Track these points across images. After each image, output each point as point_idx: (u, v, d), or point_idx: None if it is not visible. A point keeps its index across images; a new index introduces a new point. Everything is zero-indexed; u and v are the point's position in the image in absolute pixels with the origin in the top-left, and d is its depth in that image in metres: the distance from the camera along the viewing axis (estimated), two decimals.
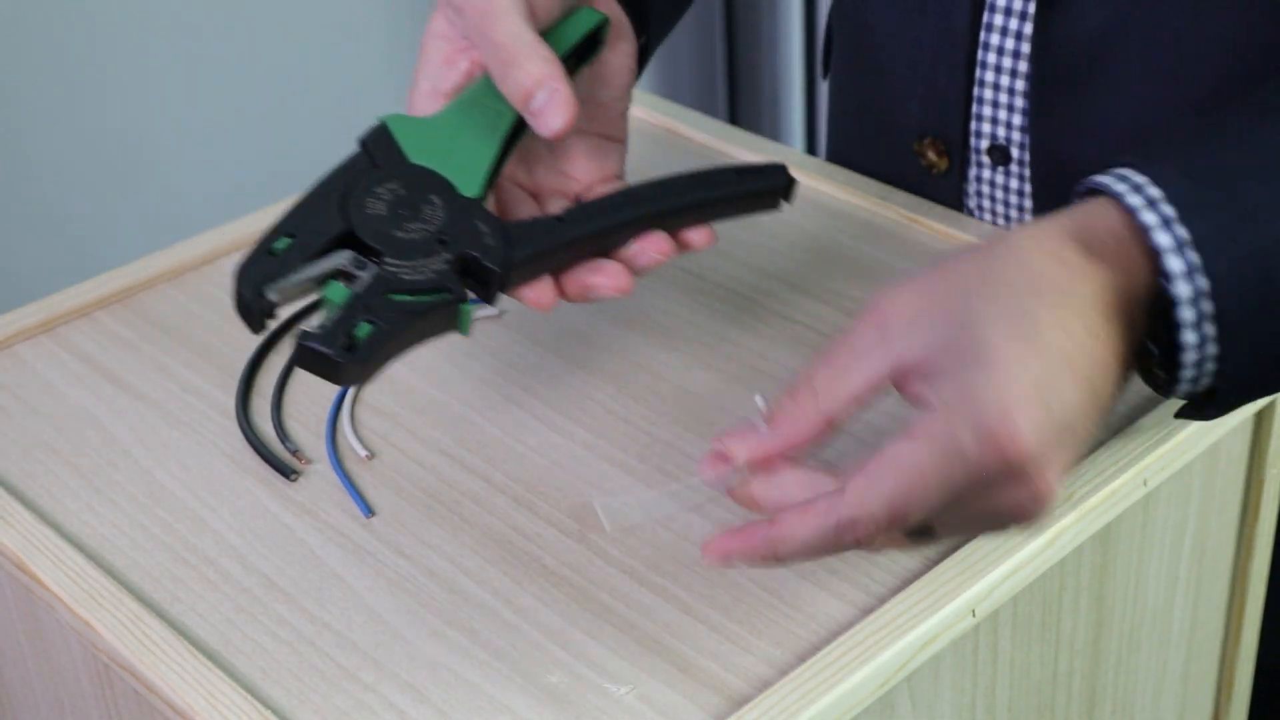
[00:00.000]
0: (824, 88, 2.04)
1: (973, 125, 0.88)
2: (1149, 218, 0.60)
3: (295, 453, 0.75)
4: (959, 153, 0.89)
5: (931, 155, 0.90)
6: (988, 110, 0.87)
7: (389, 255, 0.64)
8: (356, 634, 0.65)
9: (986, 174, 0.89)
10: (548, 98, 0.67)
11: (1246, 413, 0.75)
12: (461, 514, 0.71)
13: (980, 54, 0.85)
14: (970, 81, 0.86)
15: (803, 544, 0.59)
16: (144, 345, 0.83)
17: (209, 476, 0.74)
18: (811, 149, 2.11)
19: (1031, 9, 0.83)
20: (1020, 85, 0.85)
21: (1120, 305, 0.60)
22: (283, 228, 0.64)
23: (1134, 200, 0.61)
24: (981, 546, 0.66)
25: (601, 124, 0.74)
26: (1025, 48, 0.84)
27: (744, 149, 0.97)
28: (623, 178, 0.75)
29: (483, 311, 0.84)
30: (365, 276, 0.63)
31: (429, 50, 0.72)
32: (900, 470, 0.57)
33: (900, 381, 0.59)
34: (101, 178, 1.63)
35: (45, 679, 0.75)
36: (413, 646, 0.65)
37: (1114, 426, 0.73)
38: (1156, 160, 0.62)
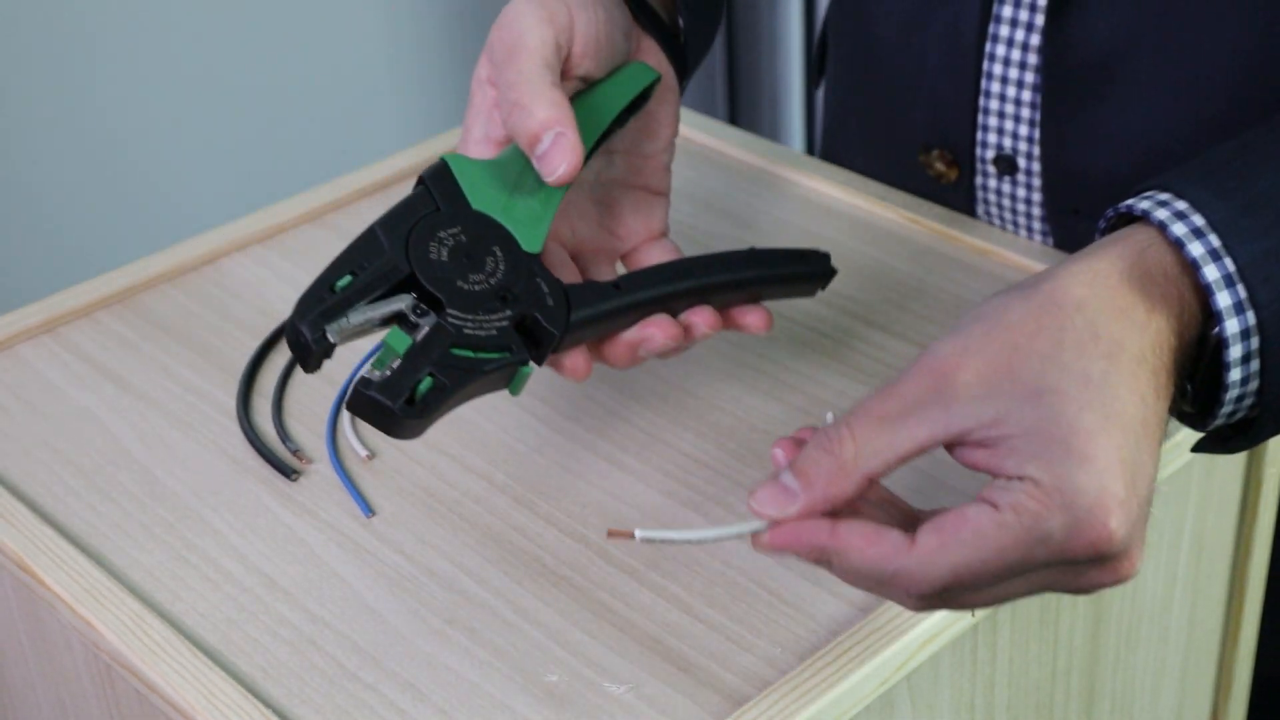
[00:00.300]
0: (814, 87, 2.05)
1: (979, 135, 0.87)
2: (1196, 250, 0.59)
3: (296, 452, 0.75)
4: (967, 163, 0.89)
5: (940, 166, 0.90)
6: (994, 120, 0.86)
7: (451, 306, 0.63)
8: (357, 633, 0.65)
9: (993, 183, 0.88)
10: (552, 142, 0.65)
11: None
12: (461, 513, 0.71)
13: (986, 64, 0.85)
14: (977, 91, 0.86)
15: (853, 571, 0.56)
16: (145, 345, 0.84)
17: (210, 476, 0.74)
18: (811, 149, 2.11)
19: (1039, 19, 0.82)
20: (1027, 95, 0.85)
21: (1175, 352, 0.59)
22: (345, 264, 0.63)
23: (1178, 230, 0.59)
24: None
25: (646, 177, 0.73)
26: (1032, 58, 0.83)
27: (744, 149, 0.97)
28: (667, 233, 0.73)
29: None
30: (426, 325, 0.62)
31: (476, 96, 0.70)
32: (981, 543, 0.54)
33: (957, 446, 0.57)
34: (102, 178, 1.63)
35: (47, 678, 0.75)
36: (413, 646, 0.65)
37: None
38: (1195, 183, 0.60)
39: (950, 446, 0.57)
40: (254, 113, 1.73)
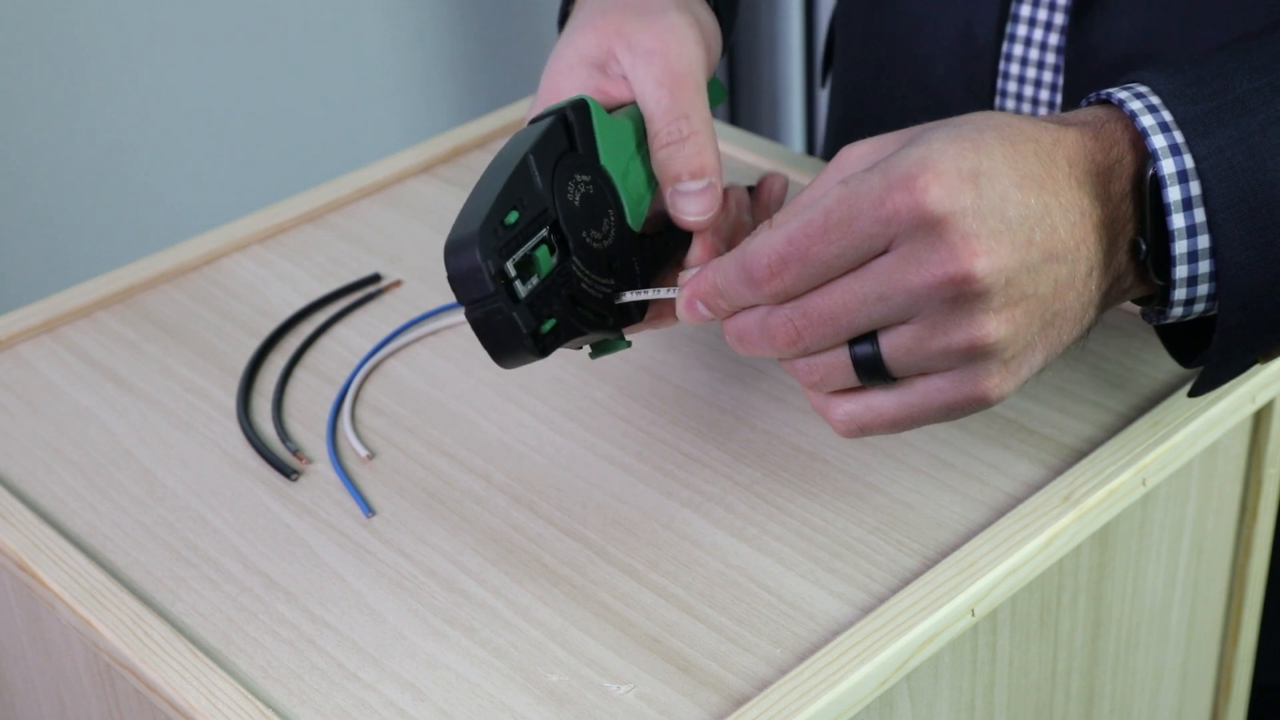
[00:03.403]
0: (820, 85, 2.04)
1: None
2: (1134, 104, 0.60)
3: (296, 452, 0.75)
4: None
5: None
6: None
7: (577, 255, 0.65)
8: (357, 633, 0.65)
9: None
10: (701, 189, 0.67)
11: (1245, 412, 0.75)
12: (461, 513, 0.71)
13: (1003, 64, 0.85)
14: (992, 92, 0.86)
15: (713, 283, 0.60)
16: (145, 345, 0.84)
17: (210, 476, 0.74)
18: (811, 149, 2.11)
19: (1059, 19, 0.82)
20: (1045, 95, 0.84)
21: (1089, 167, 0.59)
22: (508, 198, 0.63)
23: (1122, 94, 0.61)
24: (981, 545, 0.66)
25: None
26: (1051, 58, 0.83)
27: (744, 149, 0.97)
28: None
29: None
30: (555, 262, 0.64)
31: (576, 75, 0.70)
32: (806, 210, 0.57)
33: None
34: (102, 178, 1.63)
35: (47, 678, 0.75)
36: (413, 645, 0.65)
37: (1111, 426, 0.74)
38: (1155, 70, 0.62)
39: None
40: (254, 113, 1.73)
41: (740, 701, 0.61)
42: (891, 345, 0.59)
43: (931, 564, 0.67)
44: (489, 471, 0.74)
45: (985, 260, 0.56)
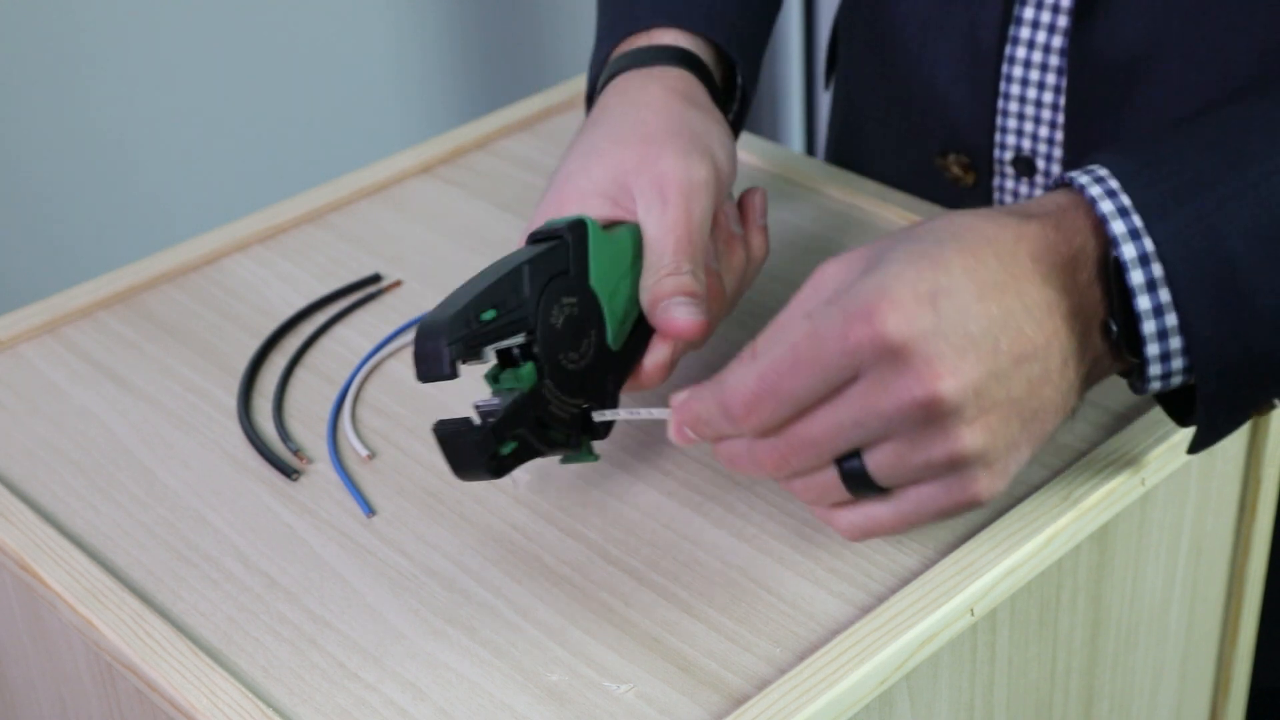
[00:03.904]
0: (823, 88, 2.04)
1: (997, 137, 0.87)
2: (1094, 190, 0.61)
3: (296, 452, 0.75)
4: (984, 165, 0.88)
5: (957, 170, 0.90)
6: (1013, 122, 0.86)
7: (550, 378, 0.67)
8: (358, 632, 0.65)
9: (1011, 185, 0.88)
10: (686, 306, 0.69)
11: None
12: (462, 513, 0.72)
13: (1006, 67, 0.85)
14: (995, 93, 0.86)
15: (694, 414, 0.62)
16: (146, 345, 0.84)
17: (210, 476, 0.74)
18: (811, 149, 2.11)
19: (1062, 21, 0.82)
20: (1049, 97, 0.84)
21: (1053, 260, 0.60)
22: (491, 297, 0.65)
23: (1083, 179, 0.62)
24: (980, 545, 0.66)
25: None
26: (1055, 60, 0.83)
27: (744, 149, 0.97)
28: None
29: None
30: (523, 380, 0.66)
31: (588, 205, 0.72)
32: (774, 347, 0.59)
33: None
34: (102, 178, 1.63)
35: (48, 677, 0.75)
36: (413, 645, 0.65)
37: (1110, 426, 0.74)
38: (1115, 152, 0.63)
39: None
40: (254, 113, 1.73)
41: (740, 701, 0.61)
42: (876, 462, 0.60)
43: (931, 563, 0.67)
44: None
45: (950, 380, 0.57)
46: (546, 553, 0.69)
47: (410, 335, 0.83)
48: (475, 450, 0.64)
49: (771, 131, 2.11)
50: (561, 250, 0.68)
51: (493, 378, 0.66)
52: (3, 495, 0.73)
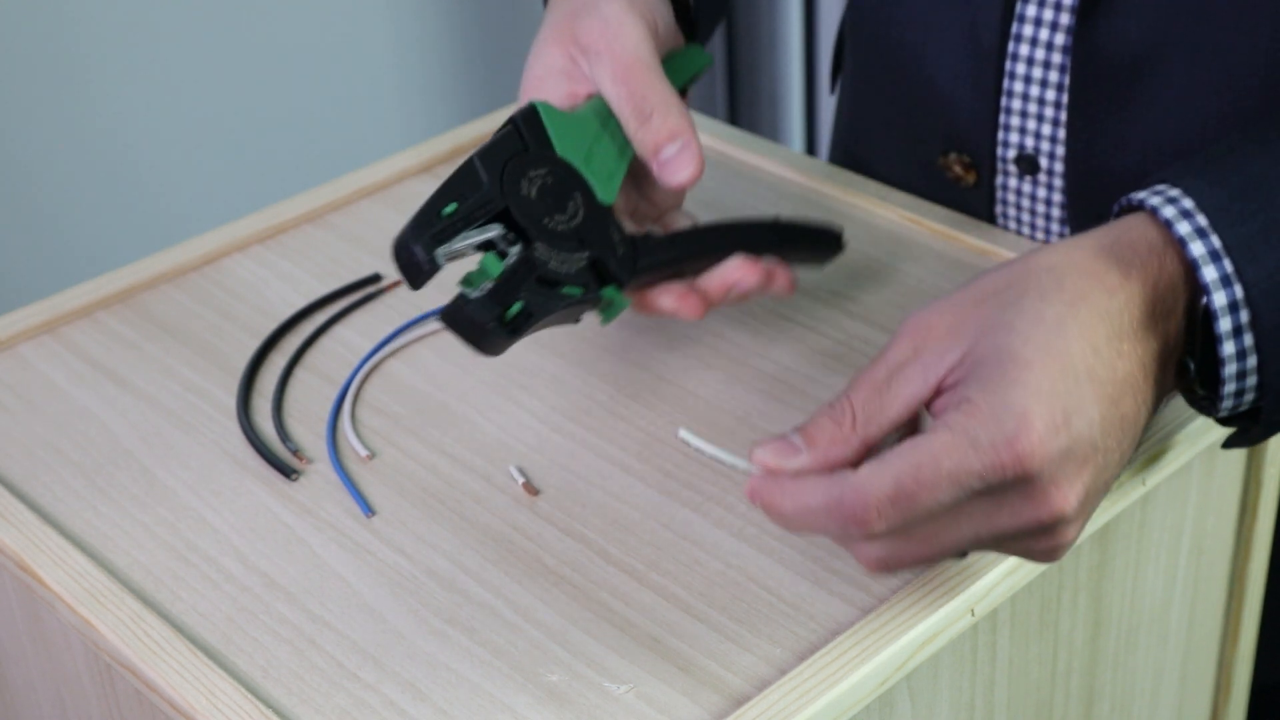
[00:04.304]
0: (824, 89, 2.04)
1: (1000, 135, 0.87)
2: (1183, 228, 0.61)
3: (296, 452, 0.75)
4: (986, 164, 0.88)
5: (958, 169, 0.90)
6: (1015, 120, 0.86)
7: (538, 240, 0.69)
8: (357, 633, 0.65)
9: (1014, 183, 0.88)
10: (678, 150, 0.73)
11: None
12: (462, 513, 0.71)
13: (1009, 65, 0.85)
14: (998, 92, 0.86)
15: (808, 509, 0.59)
16: (145, 345, 0.84)
17: (210, 476, 0.74)
18: (811, 149, 2.11)
19: (1065, 19, 0.82)
20: (1051, 95, 0.84)
21: (1152, 319, 0.61)
22: (448, 193, 0.69)
23: (1168, 212, 0.61)
24: None
25: None
26: (1057, 58, 0.83)
27: (744, 149, 0.97)
28: (682, 203, 0.80)
29: None
30: (514, 254, 0.69)
31: (548, 84, 0.76)
32: (914, 454, 0.57)
33: (935, 399, 0.60)
34: (102, 178, 1.63)
35: (47, 677, 0.75)
36: (413, 645, 0.65)
37: None
38: (1191, 174, 0.62)
39: (931, 402, 0.60)
40: (254, 113, 1.73)
41: (740, 701, 0.61)
42: (973, 549, 0.62)
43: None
44: (489, 471, 0.74)
45: (1071, 495, 0.58)
46: (546, 553, 0.69)
47: (411, 335, 0.83)
48: (478, 315, 0.67)
49: (771, 131, 2.11)
50: (511, 136, 0.71)
51: (465, 281, 0.68)
52: (2, 495, 0.73)
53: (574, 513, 0.71)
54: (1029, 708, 0.73)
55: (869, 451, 0.60)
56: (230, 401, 0.79)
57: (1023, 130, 0.86)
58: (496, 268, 0.68)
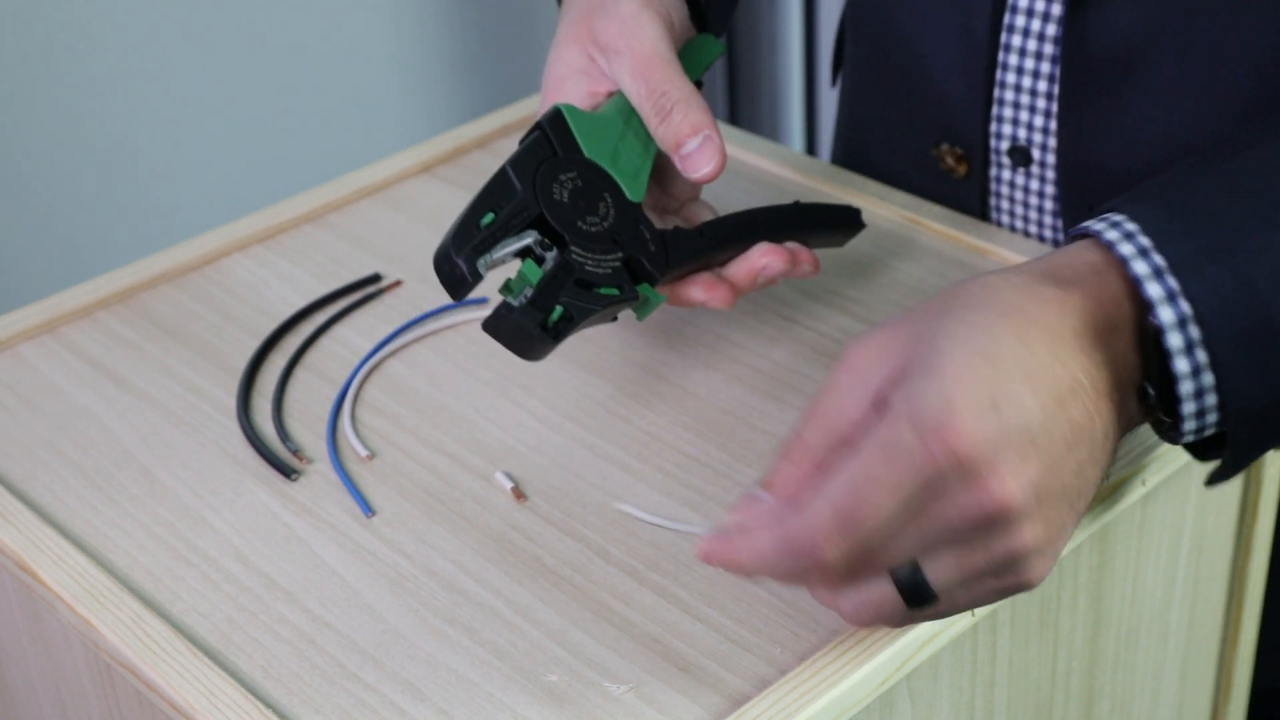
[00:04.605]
0: (824, 87, 2.04)
1: (992, 127, 0.87)
2: (1125, 249, 0.60)
3: (296, 452, 0.75)
4: (978, 156, 0.88)
5: (950, 161, 0.90)
6: (1008, 112, 0.86)
7: (574, 244, 0.71)
8: (357, 633, 0.65)
9: (1007, 175, 0.88)
10: (700, 144, 0.74)
11: None
12: (461, 513, 0.71)
13: (1001, 55, 0.85)
14: (990, 83, 0.86)
15: (761, 553, 0.58)
16: (145, 345, 0.84)
17: (210, 476, 0.74)
18: (811, 149, 2.11)
19: (1056, 10, 0.82)
20: (1043, 87, 0.84)
21: (1095, 332, 0.59)
22: (485, 203, 0.70)
23: (1111, 235, 0.61)
24: None
25: None
26: (1049, 49, 0.83)
27: (744, 149, 0.97)
28: (700, 194, 0.81)
29: (482, 311, 0.84)
30: (551, 259, 0.70)
31: (568, 85, 0.78)
32: (846, 476, 0.56)
33: (878, 412, 0.58)
34: (102, 178, 1.63)
35: (47, 678, 0.75)
36: (413, 645, 0.65)
37: None
38: (1134, 200, 0.62)
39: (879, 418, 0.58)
40: (254, 113, 1.73)
41: (740, 701, 0.61)
42: (937, 573, 0.58)
43: None
44: (489, 471, 0.74)
45: (1014, 485, 0.56)
46: (546, 553, 0.69)
47: (411, 335, 0.83)
48: (522, 323, 0.68)
49: (771, 131, 2.11)
50: (540, 142, 0.73)
51: (506, 289, 0.69)
52: (2, 495, 0.73)
53: (574, 513, 0.71)
54: (1029, 708, 0.73)
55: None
56: (230, 401, 0.79)
57: (1015, 122, 0.86)
58: (536, 274, 0.69)
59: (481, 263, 0.68)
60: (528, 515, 0.71)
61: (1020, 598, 0.68)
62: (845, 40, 1.03)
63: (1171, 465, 0.72)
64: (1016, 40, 0.84)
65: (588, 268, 0.71)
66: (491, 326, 0.68)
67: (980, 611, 0.65)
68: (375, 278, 0.88)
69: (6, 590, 0.74)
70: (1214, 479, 0.65)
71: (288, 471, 0.74)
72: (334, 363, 0.82)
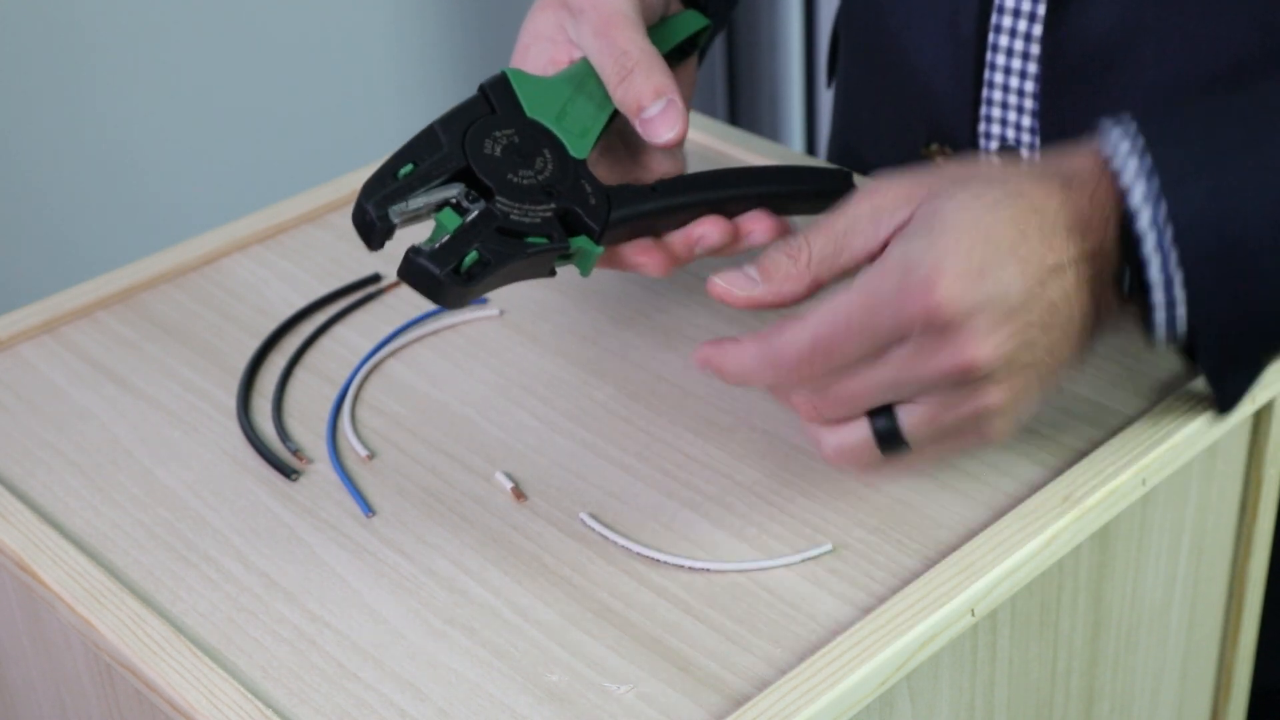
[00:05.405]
0: (823, 87, 2.04)
1: (981, 127, 0.88)
2: (1122, 146, 0.65)
3: (296, 452, 0.75)
4: (968, 156, 0.89)
5: (940, 160, 0.90)
6: (996, 111, 0.86)
7: (500, 195, 0.69)
8: (357, 633, 0.65)
9: None
10: (662, 109, 0.72)
11: (1245, 412, 0.75)
12: (461, 513, 0.71)
13: (989, 55, 0.85)
14: (979, 84, 0.86)
15: (746, 365, 0.66)
16: (145, 345, 0.84)
17: (210, 476, 0.74)
18: (811, 149, 2.11)
19: (1040, 9, 0.83)
20: (1030, 86, 0.85)
21: (1086, 227, 0.65)
22: (406, 156, 0.69)
23: (1113, 133, 0.66)
24: (981, 546, 0.66)
25: None
26: (1034, 48, 0.83)
27: (744, 149, 0.97)
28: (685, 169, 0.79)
29: (482, 311, 0.84)
30: (475, 210, 0.68)
31: (533, 52, 0.77)
32: (832, 309, 0.63)
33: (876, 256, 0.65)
34: (102, 178, 1.63)
35: (47, 678, 0.75)
36: (413, 645, 0.65)
37: (1112, 426, 0.74)
38: (1150, 118, 0.67)
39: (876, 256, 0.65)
40: (254, 112, 1.73)
41: (740, 701, 0.61)
42: (911, 422, 0.65)
43: (931, 564, 0.67)
44: (489, 471, 0.74)
45: (988, 348, 0.63)
46: (546, 553, 0.69)
47: (411, 335, 0.83)
48: (430, 266, 0.66)
49: (771, 131, 2.11)
50: (476, 103, 0.72)
51: (429, 240, 0.68)
52: (2, 495, 0.73)
53: (574, 513, 0.71)
54: (1029, 708, 0.73)
55: (817, 291, 0.66)
56: (230, 401, 0.79)
57: (1004, 121, 0.87)
58: (454, 222, 0.68)
59: (394, 210, 0.67)
60: (528, 515, 0.71)
61: (1020, 598, 0.68)
62: (839, 40, 1.03)
63: (1171, 465, 0.72)
64: (1004, 41, 0.85)
65: (513, 216, 0.69)
66: (403, 271, 0.67)
67: (980, 611, 0.65)
68: (375, 278, 0.88)
69: (6, 590, 0.74)
70: (1219, 403, 0.71)
71: (288, 471, 0.74)
72: (334, 363, 0.82)
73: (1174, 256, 0.64)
